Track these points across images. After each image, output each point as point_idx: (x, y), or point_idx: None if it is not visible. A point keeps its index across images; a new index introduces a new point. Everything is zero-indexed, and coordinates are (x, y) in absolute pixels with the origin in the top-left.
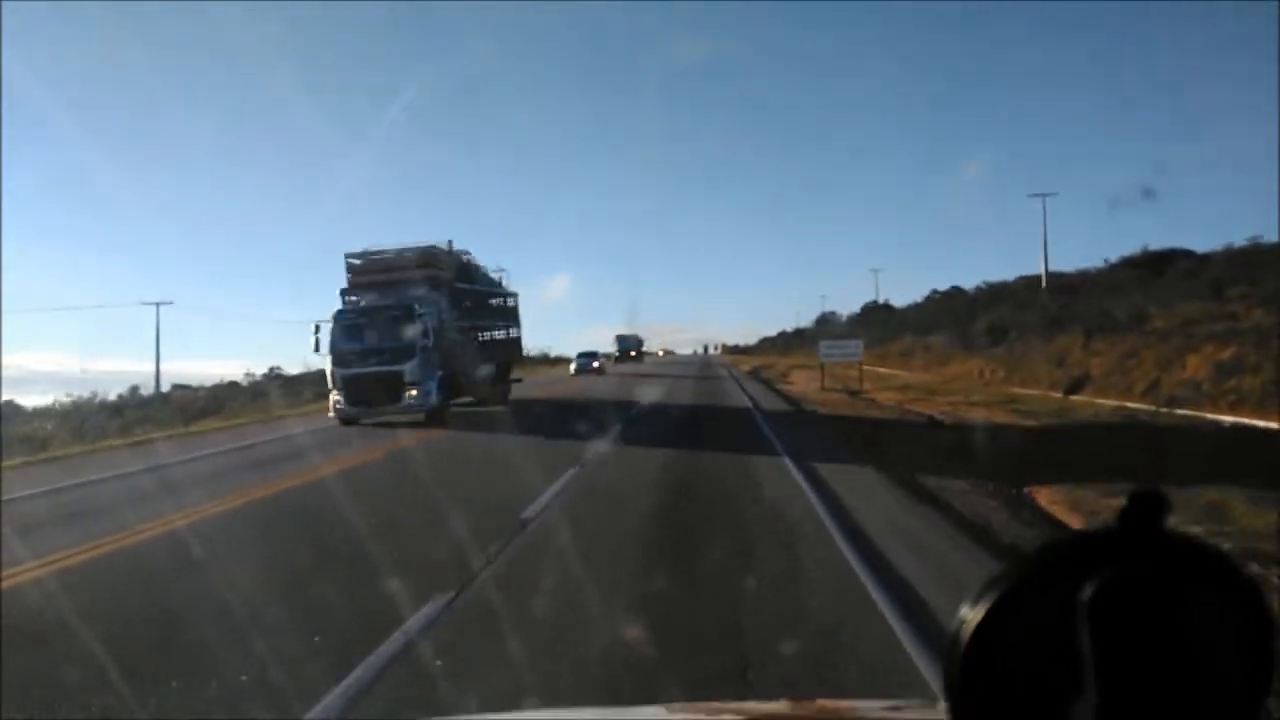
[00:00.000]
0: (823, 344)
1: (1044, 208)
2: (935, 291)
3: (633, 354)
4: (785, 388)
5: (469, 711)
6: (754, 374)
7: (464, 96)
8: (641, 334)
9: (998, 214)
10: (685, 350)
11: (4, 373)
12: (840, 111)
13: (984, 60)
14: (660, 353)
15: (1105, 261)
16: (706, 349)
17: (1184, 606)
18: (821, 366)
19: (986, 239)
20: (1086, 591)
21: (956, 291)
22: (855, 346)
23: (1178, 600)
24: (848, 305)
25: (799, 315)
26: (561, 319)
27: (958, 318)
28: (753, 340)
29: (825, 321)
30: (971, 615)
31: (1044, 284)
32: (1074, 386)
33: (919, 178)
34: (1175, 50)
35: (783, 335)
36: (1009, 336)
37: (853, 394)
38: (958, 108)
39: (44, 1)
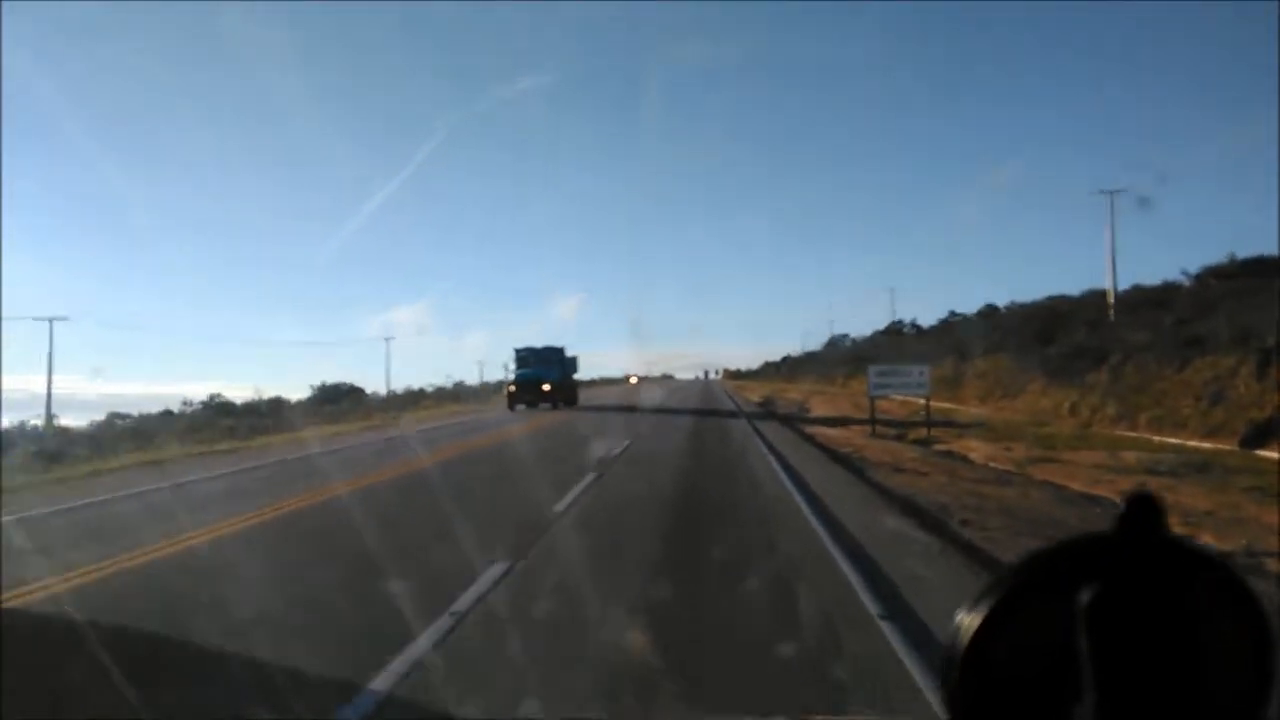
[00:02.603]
0: (873, 371)
1: (1111, 206)
2: (953, 313)
3: (546, 388)
4: (817, 431)
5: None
6: (768, 410)
7: (464, 117)
8: (646, 358)
9: (1010, 231)
10: (686, 375)
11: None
12: (841, 127)
13: (988, 70)
14: (633, 380)
15: (1184, 274)
16: (707, 374)
17: (1182, 611)
18: (873, 403)
19: (1002, 257)
20: (1085, 596)
21: (990, 310)
22: (920, 375)
23: (1176, 604)
24: (855, 328)
25: (804, 338)
26: (577, 341)
27: (1006, 336)
28: (755, 365)
29: (835, 344)
30: (969, 621)
31: (1113, 298)
32: (1257, 435)
33: (926, 195)
34: (1174, 61)
35: (787, 360)
36: (1110, 360)
37: (923, 445)
38: (968, 120)
39: None
